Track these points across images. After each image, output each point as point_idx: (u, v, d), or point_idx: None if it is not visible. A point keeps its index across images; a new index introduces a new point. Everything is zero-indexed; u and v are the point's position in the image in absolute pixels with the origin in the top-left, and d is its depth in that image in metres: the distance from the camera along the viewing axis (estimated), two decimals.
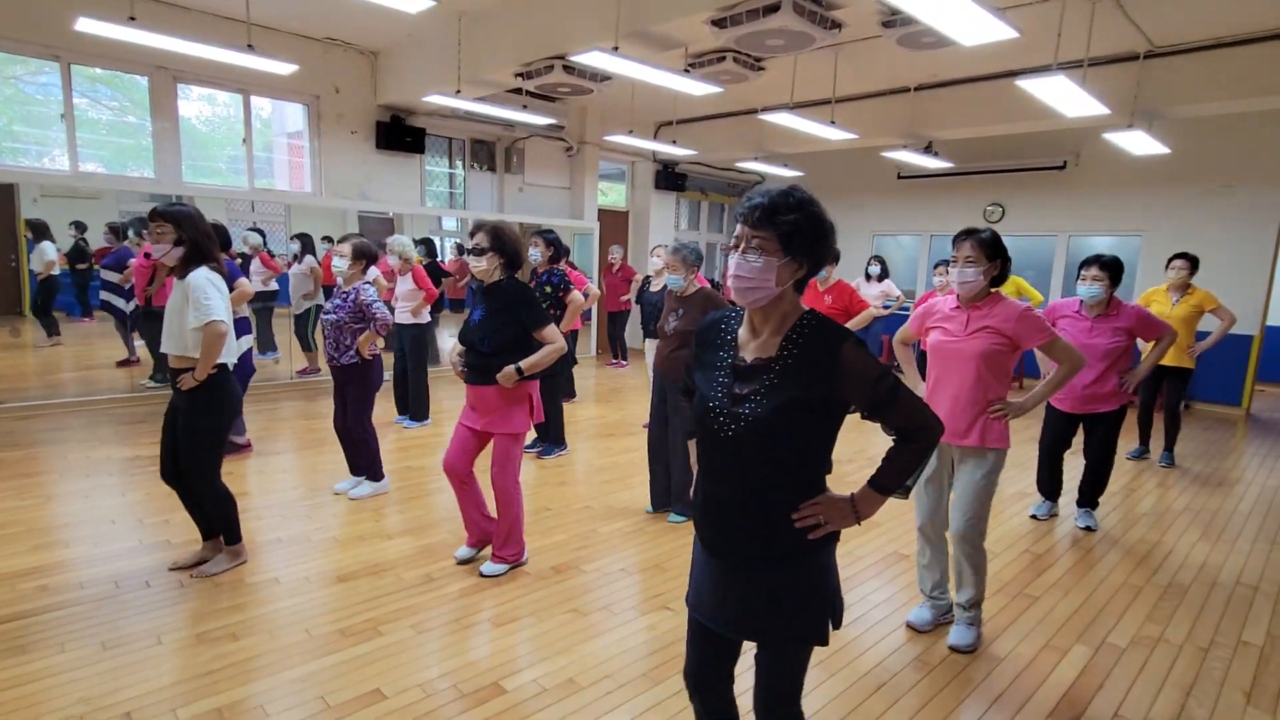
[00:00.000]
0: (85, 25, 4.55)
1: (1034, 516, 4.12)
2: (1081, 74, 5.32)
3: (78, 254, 6.19)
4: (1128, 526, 4.02)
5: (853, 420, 1.52)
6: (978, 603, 2.67)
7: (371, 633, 2.56)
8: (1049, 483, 4.14)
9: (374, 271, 3.90)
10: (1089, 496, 4.03)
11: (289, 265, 6.84)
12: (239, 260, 6.06)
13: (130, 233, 6.18)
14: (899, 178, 10.19)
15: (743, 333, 1.49)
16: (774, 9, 4.30)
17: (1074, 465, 4.17)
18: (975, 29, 3.89)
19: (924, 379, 2.74)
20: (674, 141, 8.47)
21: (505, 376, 2.88)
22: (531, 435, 3.14)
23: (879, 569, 3.31)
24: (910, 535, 3.50)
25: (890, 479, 1.48)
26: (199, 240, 2.80)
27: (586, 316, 9.43)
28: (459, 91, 6.47)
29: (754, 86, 6.83)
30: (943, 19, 3.76)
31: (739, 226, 1.43)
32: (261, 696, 2.17)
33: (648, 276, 6.76)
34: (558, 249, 4.80)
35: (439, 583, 2.97)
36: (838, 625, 1.50)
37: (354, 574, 3.02)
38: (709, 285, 3.82)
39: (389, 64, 7.43)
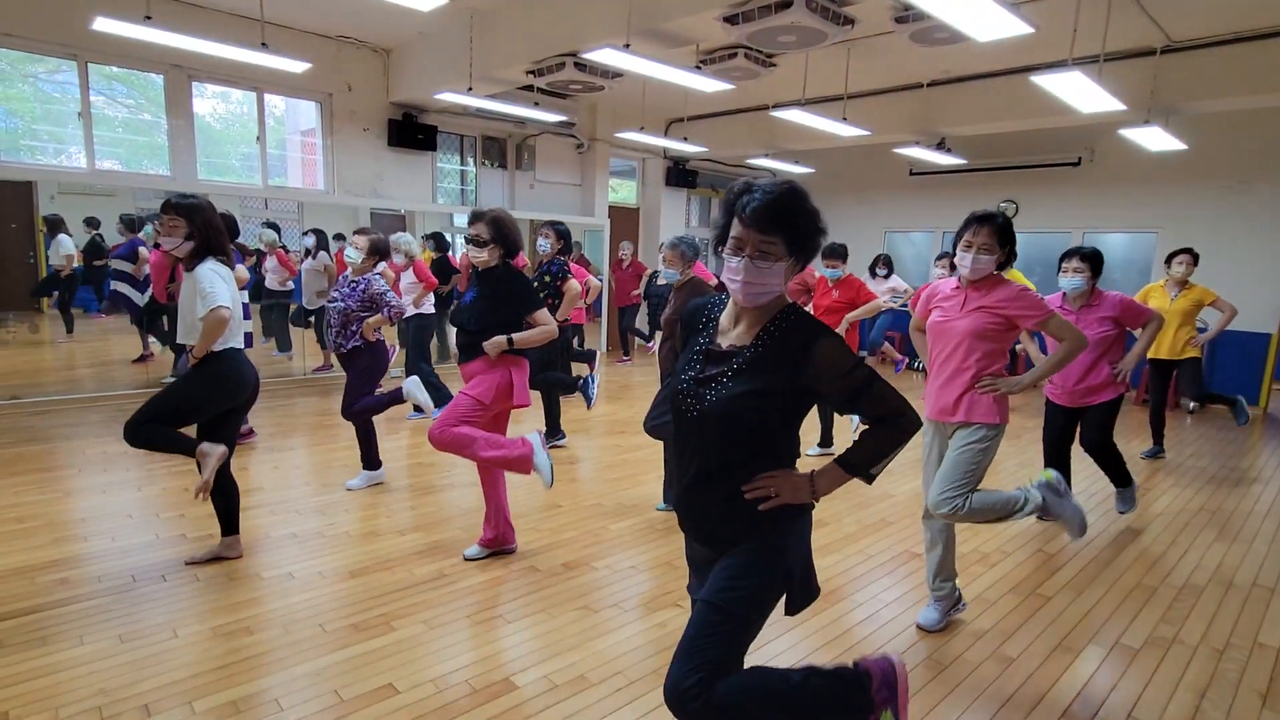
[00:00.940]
0: (102, 25, 4.60)
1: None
2: (1097, 69, 5.26)
3: (94, 250, 6.26)
4: (1142, 526, 3.99)
5: (844, 422, 1.52)
6: (949, 578, 2.69)
7: (384, 628, 2.58)
8: None
9: (380, 265, 3.98)
10: (1115, 479, 3.98)
11: (302, 260, 6.89)
12: (252, 260, 6.12)
13: (148, 228, 6.25)
14: (911, 174, 10.13)
15: (724, 319, 1.52)
16: (786, 5, 4.29)
17: (1088, 465, 4.14)
18: (989, 24, 3.85)
19: None
20: (685, 138, 8.46)
21: (493, 345, 2.91)
22: (535, 431, 3.16)
23: (890, 567, 3.30)
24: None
25: (857, 457, 1.49)
26: (209, 234, 2.84)
27: (596, 312, 9.44)
28: (470, 89, 6.49)
29: (765, 83, 6.81)
30: (956, 14, 3.73)
31: (737, 227, 1.40)
32: (276, 690, 2.19)
33: (655, 271, 6.77)
34: (567, 242, 4.82)
35: (450, 578, 2.99)
36: (793, 610, 1.53)
37: (366, 569, 3.05)
38: (714, 278, 3.83)
39: (401, 62, 7.46)
